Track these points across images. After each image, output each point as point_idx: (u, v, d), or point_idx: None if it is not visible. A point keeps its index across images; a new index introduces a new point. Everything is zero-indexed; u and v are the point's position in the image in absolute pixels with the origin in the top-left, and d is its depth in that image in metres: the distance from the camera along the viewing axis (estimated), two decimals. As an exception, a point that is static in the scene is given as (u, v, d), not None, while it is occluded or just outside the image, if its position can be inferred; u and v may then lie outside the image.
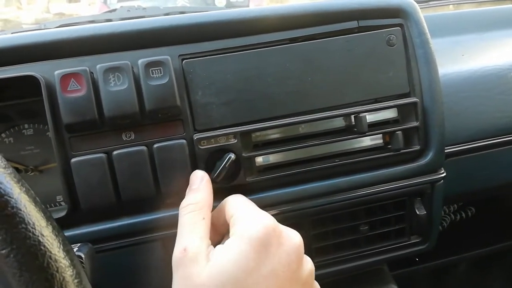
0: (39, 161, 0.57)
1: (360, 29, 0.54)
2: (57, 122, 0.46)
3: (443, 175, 0.56)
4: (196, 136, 0.49)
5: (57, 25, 0.84)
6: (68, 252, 0.25)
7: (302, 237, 0.55)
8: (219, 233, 0.43)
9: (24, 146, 0.56)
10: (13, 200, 0.24)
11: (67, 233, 0.48)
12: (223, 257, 0.34)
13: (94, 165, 0.46)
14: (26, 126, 0.57)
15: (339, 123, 0.54)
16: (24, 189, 0.25)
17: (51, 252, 0.24)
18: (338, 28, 0.53)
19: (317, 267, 0.56)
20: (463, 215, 0.95)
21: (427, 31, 0.54)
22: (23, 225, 0.24)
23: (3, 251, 0.23)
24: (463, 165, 0.64)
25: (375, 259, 0.58)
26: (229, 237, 0.36)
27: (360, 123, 0.51)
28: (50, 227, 0.25)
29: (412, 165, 0.55)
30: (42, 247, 0.24)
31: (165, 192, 0.48)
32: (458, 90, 0.65)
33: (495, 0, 1.17)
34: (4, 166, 0.25)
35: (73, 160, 0.46)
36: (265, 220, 0.35)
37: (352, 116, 0.52)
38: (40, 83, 0.45)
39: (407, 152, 0.54)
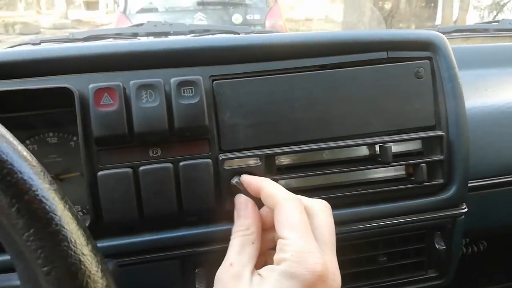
0: (60, 169, 0.57)
1: (389, 60, 0.55)
2: (87, 134, 0.47)
3: (464, 210, 0.56)
4: (222, 156, 0.49)
5: (85, 36, 0.86)
6: (105, 272, 0.25)
7: None
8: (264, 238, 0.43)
9: (47, 154, 0.57)
10: (57, 217, 0.24)
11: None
12: None
13: (120, 179, 0.46)
14: (50, 134, 0.57)
15: (363, 151, 0.54)
16: (67, 206, 0.25)
17: (90, 272, 0.24)
18: (367, 57, 0.54)
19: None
20: (475, 248, 0.93)
21: (455, 65, 0.55)
22: (66, 243, 0.24)
23: (45, 269, 0.23)
24: (484, 200, 0.64)
25: (392, 291, 0.57)
26: (274, 263, 0.36)
27: (385, 153, 0.51)
28: (90, 246, 0.25)
29: (434, 198, 0.54)
30: (82, 267, 0.24)
31: (187, 210, 0.48)
32: (481, 124, 0.65)
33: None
34: (49, 182, 0.25)
35: (100, 173, 0.46)
36: (317, 264, 0.34)
37: (377, 146, 0.52)
38: (74, 95, 0.46)
39: (429, 185, 0.54)
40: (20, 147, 0.25)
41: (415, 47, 0.55)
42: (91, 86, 0.46)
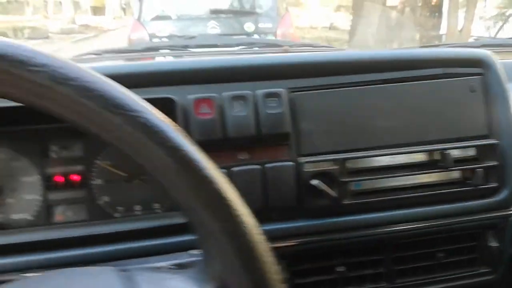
0: (142, 170, 0.63)
1: (445, 76, 0.61)
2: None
3: (515, 211, 0.62)
4: (301, 160, 0.55)
5: (143, 47, 0.93)
6: (269, 249, 0.31)
7: (380, 261, 0.57)
8: None
9: (126, 156, 0.63)
10: (234, 203, 0.30)
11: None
12: None
13: None
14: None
15: (423, 156, 0.60)
16: (236, 194, 0.31)
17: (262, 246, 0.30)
18: (426, 73, 0.60)
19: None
20: None
21: (506, 81, 0.61)
22: (245, 225, 0.30)
23: (234, 244, 0.29)
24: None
25: (447, 285, 0.62)
26: None
27: (447, 158, 0.57)
28: (258, 228, 0.31)
29: (487, 200, 0.60)
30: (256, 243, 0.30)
31: (272, 207, 0.54)
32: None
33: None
34: (221, 174, 0.31)
35: None
36: None
37: (438, 152, 0.58)
38: (175, 104, 0.52)
39: (484, 188, 0.60)
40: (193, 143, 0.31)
41: (468, 64, 0.62)
42: (191, 96, 0.52)
